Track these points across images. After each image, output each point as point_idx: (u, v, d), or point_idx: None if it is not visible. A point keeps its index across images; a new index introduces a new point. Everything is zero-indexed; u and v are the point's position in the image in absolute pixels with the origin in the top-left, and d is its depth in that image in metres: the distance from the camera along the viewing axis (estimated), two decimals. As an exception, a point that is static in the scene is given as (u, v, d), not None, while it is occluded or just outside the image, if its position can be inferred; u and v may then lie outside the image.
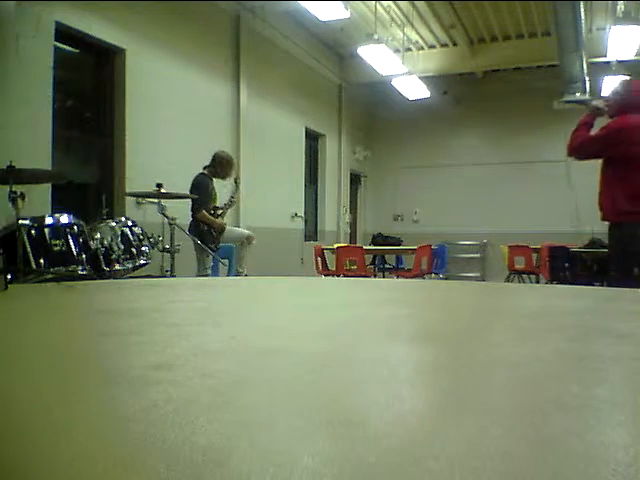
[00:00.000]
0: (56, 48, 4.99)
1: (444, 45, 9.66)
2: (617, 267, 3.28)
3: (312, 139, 10.06)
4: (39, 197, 4.26)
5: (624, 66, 8.38)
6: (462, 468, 0.33)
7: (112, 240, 3.35)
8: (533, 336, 0.88)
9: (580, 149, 3.33)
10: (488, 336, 0.91)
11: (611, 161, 3.22)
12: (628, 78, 3.47)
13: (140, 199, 5.39)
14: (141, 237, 3.61)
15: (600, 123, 3.33)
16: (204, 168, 5.09)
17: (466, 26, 8.90)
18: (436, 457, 0.36)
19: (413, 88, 9.49)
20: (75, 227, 3.08)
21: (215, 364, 0.65)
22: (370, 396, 0.51)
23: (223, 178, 5.18)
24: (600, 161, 3.32)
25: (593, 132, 3.32)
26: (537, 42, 9.00)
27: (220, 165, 5.10)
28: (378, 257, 7.53)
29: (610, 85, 3.35)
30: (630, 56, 7.67)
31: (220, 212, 5.08)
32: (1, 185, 2.84)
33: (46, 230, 2.93)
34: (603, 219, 3.31)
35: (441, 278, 7.32)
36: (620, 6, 6.63)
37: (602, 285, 4.38)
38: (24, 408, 0.46)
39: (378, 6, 7.89)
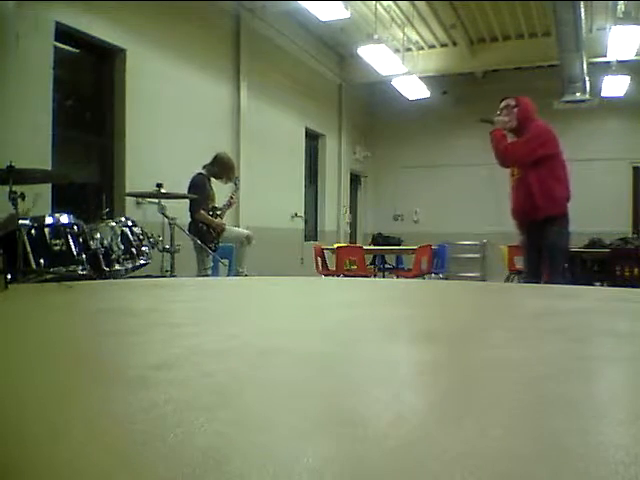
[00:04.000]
0: (56, 48, 4.98)
1: (444, 45, 9.65)
2: (561, 261, 3.61)
3: (312, 139, 10.06)
4: (39, 197, 4.26)
5: (624, 66, 8.38)
6: (462, 468, 0.33)
7: (112, 240, 3.35)
8: (533, 336, 0.88)
9: (519, 155, 3.65)
10: (488, 336, 0.91)
11: (538, 162, 3.51)
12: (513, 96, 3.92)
13: (140, 199, 5.39)
14: (141, 237, 3.60)
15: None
16: (203, 167, 5.08)
17: (466, 26, 8.90)
18: (436, 457, 0.36)
19: (413, 88, 9.49)
20: (75, 227, 3.08)
21: (215, 364, 0.65)
22: (370, 396, 0.51)
23: (222, 180, 5.17)
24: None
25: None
26: (537, 42, 8.99)
27: (220, 166, 5.08)
28: (378, 257, 7.52)
29: (506, 101, 3.72)
30: (630, 56, 7.67)
31: (219, 212, 5.08)
32: (1, 185, 2.84)
33: (46, 230, 2.93)
34: (537, 215, 3.49)
35: (441, 278, 7.32)
36: (620, 6, 6.62)
37: (602, 285, 4.40)
38: (24, 408, 0.46)
39: (378, 6, 7.88)
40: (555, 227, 3.49)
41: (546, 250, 3.51)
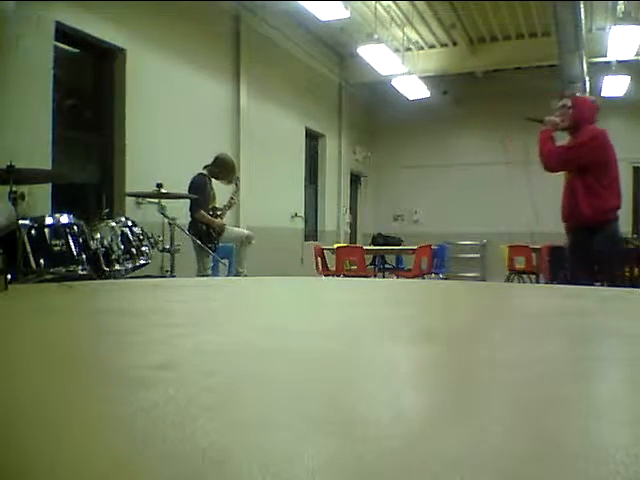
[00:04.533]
0: (56, 48, 4.98)
1: (444, 45, 9.65)
2: (608, 266, 3.45)
3: (312, 139, 10.06)
4: (39, 197, 4.26)
5: (624, 66, 8.39)
6: (462, 468, 0.33)
7: (112, 240, 3.35)
8: (533, 336, 0.88)
9: (560, 160, 3.51)
10: (488, 336, 0.91)
11: (586, 168, 3.41)
12: (576, 94, 3.80)
13: (140, 199, 5.39)
14: (141, 237, 3.60)
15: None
16: (204, 168, 5.08)
17: (466, 26, 8.90)
18: (436, 457, 0.36)
19: (413, 88, 9.49)
20: (75, 227, 3.08)
21: (215, 364, 0.65)
22: (370, 396, 0.51)
23: (223, 181, 5.17)
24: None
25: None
26: (537, 42, 9.00)
27: (221, 168, 5.08)
28: (378, 257, 7.52)
29: (560, 101, 3.63)
30: (630, 56, 7.67)
31: (219, 212, 5.08)
32: (1, 185, 2.85)
33: (46, 230, 2.93)
34: (582, 222, 3.43)
35: (441, 278, 7.32)
36: (620, 6, 6.63)
37: (602, 285, 4.39)
38: (24, 408, 0.46)
39: (378, 6, 7.88)
40: (600, 235, 3.40)
41: (593, 258, 3.45)
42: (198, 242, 4.49)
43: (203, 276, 4.64)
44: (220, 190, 5.27)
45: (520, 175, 10.53)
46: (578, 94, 3.80)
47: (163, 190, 3.97)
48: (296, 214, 9.17)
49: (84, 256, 3.05)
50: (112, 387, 0.54)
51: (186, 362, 0.65)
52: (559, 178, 3.79)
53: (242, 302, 1.45)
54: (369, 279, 5.15)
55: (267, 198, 8.04)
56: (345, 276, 6.14)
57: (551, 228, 9.60)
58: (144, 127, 5.84)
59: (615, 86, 8.83)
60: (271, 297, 1.58)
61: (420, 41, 9.48)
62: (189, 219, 4.90)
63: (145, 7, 5.81)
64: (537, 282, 7.70)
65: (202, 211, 4.86)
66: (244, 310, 1.25)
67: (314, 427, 0.42)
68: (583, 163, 3.40)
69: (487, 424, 0.43)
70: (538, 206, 9.50)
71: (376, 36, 7.71)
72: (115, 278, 3.24)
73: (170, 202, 4.18)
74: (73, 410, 0.46)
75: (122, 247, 3.40)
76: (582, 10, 6.60)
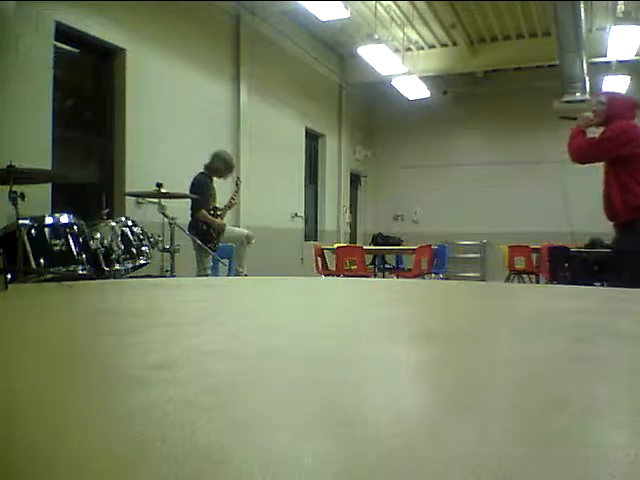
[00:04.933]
0: (56, 48, 4.98)
1: (444, 45, 9.65)
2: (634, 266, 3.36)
3: (312, 139, 10.06)
4: (39, 197, 4.26)
5: (624, 66, 8.39)
6: (462, 468, 0.33)
7: (112, 240, 3.34)
8: (533, 336, 0.88)
9: (587, 153, 3.48)
10: (488, 336, 0.91)
11: (618, 162, 3.33)
12: (612, 91, 3.73)
13: (140, 199, 5.38)
14: (141, 237, 3.60)
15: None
16: (205, 168, 5.08)
17: (466, 26, 8.90)
18: (436, 456, 0.36)
19: (413, 88, 9.49)
20: (75, 227, 3.08)
21: (215, 364, 0.65)
22: (370, 396, 0.51)
23: (223, 176, 5.16)
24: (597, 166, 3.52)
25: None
26: (537, 42, 9.00)
27: (219, 164, 5.08)
28: (378, 257, 7.51)
29: (595, 97, 3.60)
30: (630, 56, 7.67)
31: (220, 212, 5.07)
32: (1, 185, 2.84)
33: (46, 230, 2.92)
34: (614, 219, 3.39)
35: (441, 278, 7.32)
36: (620, 6, 6.63)
37: (602, 285, 4.38)
38: (24, 408, 0.46)
39: (378, 6, 7.88)
40: (630, 231, 3.32)
41: (621, 254, 3.42)
42: (198, 242, 4.48)
43: (203, 276, 4.64)
44: (220, 190, 5.27)
45: (520, 175, 10.54)
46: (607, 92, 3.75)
47: (163, 190, 3.96)
48: (296, 214, 9.16)
49: (84, 256, 3.05)
50: (111, 386, 0.54)
51: (186, 362, 0.65)
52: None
53: (242, 302, 1.45)
54: (369, 279, 5.15)
55: (267, 198, 8.04)
56: (345, 276, 6.14)
57: (552, 228, 9.63)
58: (144, 127, 5.84)
59: (615, 86, 8.83)
60: (271, 297, 1.58)
61: (420, 41, 9.47)
62: (189, 218, 4.90)
63: (145, 7, 5.81)
64: (537, 282, 7.69)
65: (203, 210, 4.86)
66: (244, 310, 1.25)
67: (314, 427, 0.42)
68: (612, 157, 3.35)
69: (486, 424, 0.43)
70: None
71: (376, 36, 7.71)
72: (115, 278, 3.24)
73: (170, 202, 4.17)
74: (72, 410, 0.46)
75: (122, 247, 3.40)
76: (582, 10, 6.60)
